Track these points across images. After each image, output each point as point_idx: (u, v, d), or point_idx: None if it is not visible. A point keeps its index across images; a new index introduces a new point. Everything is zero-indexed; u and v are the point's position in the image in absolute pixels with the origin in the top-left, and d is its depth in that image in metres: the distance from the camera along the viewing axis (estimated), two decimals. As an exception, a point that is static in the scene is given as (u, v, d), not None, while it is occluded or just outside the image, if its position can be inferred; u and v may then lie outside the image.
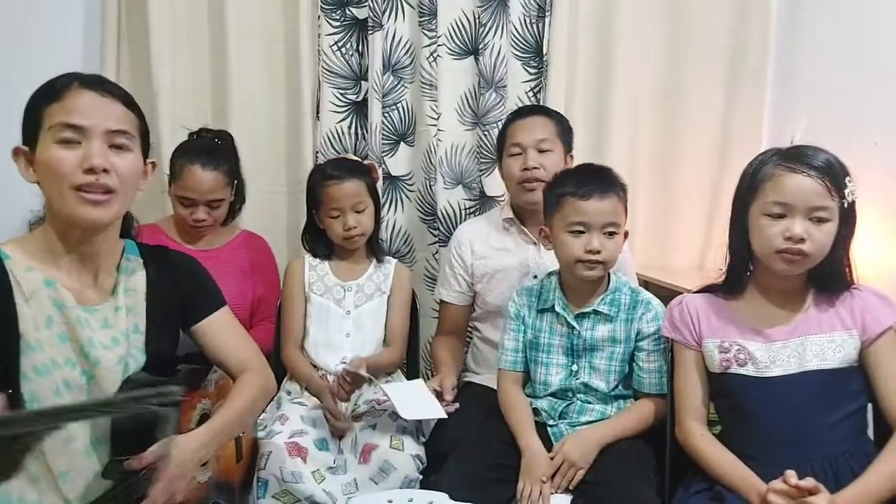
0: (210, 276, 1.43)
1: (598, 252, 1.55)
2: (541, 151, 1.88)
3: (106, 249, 1.27)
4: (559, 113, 2.09)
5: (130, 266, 1.31)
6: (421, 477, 1.66)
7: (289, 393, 1.91)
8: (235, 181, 2.04)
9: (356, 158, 2.09)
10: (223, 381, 1.48)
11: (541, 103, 2.33)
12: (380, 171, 2.11)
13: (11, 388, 1.12)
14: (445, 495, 1.48)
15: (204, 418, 1.34)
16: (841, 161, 1.35)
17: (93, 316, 1.22)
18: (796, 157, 1.34)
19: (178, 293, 1.35)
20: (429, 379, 1.93)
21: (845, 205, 1.32)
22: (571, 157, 1.97)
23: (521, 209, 1.96)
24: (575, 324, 1.63)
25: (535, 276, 1.89)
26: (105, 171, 1.15)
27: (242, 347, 1.40)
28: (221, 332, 1.38)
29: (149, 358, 1.27)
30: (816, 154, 1.34)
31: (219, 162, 1.94)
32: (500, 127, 2.03)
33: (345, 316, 1.94)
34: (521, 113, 1.99)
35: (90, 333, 1.20)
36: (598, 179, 1.58)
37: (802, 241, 1.31)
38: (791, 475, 1.23)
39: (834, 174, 1.32)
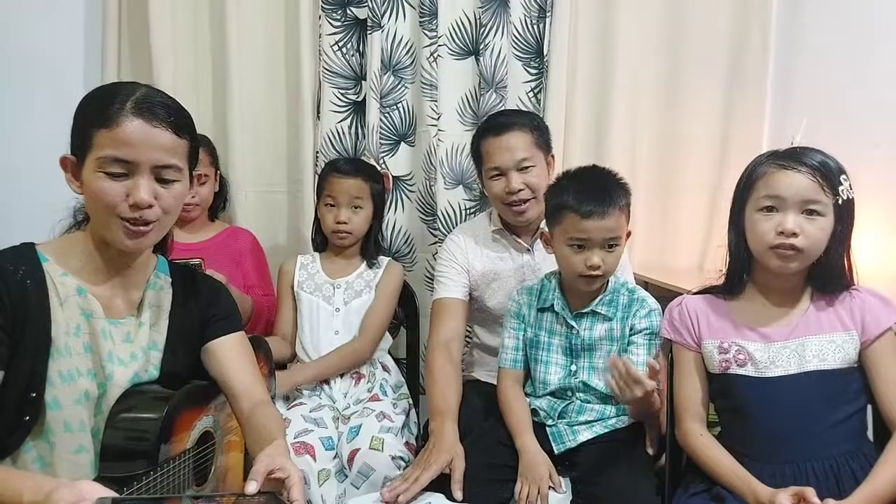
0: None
1: (598, 267, 1.54)
2: (522, 170, 1.81)
3: (140, 263, 1.28)
4: (531, 115, 2.04)
5: (159, 283, 1.32)
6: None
7: (287, 398, 1.91)
8: (218, 171, 2.09)
9: (374, 164, 2.10)
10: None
11: (541, 104, 2.32)
12: (390, 178, 2.11)
13: (36, 391, 1.13)
14: (442, 496, 1.49)
15: (205, 436, 1.31)
16: (837, 161, 1.35)
17: (116, 329, 1.23)
18: (789, 156, 1.36)
19: (200, 313, 1.35)
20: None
21: (839, 202, 1.32)
22: (553, 157, 1.92)
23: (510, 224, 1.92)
24: (574, 323, 1.63)
25: None
26: (149, 205, 1.15)
27: (251, 376, 1.35)
28: (231, 354, 1.35)
29: (162, 376, 1.27)
30: (810, 153, 1.35)
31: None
32: (472, 139, 1.94)
33: (334, 313, 1.96)
34: (493, 129, 1.85)
35: (111, 347, 1.21)
36: (601, 193, 1.53)
37: (795, 235, 1.31)
38: (810, 493, 1.22)
39: (827, 171, 1.32)
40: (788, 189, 1.32)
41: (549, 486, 1.49)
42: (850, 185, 1.34)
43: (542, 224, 1.72)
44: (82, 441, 1.17)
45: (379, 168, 2.10)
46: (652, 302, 1.64)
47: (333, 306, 1.96)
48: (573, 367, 1.64)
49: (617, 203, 1.53)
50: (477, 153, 1.91)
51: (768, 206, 1.35)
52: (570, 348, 1.65)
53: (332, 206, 1.96)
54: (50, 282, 1.17)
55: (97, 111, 1.14)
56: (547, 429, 1.62)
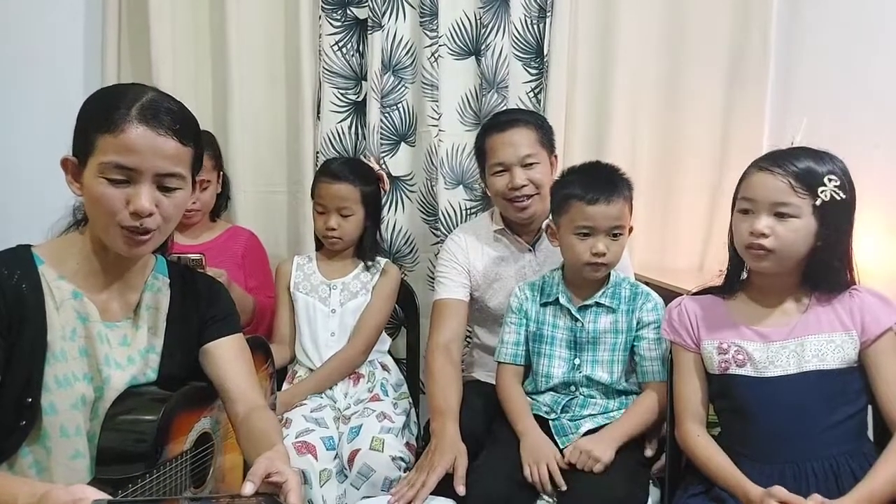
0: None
1: (603, 255, 1.57)
2: (526, 166, 1.81)
3: (138, 266, 1.27)
4: (536, 114, 2.05)
5: (157, 284, 1.31)
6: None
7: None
8: (220, 171, 2.08)
9: (370, 164, 2.09)
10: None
11: (541, 104, 2.33)
12: (386, 180, 2.11)
13: (32, 397, 1.12)
14: (445, 499, 1.49)
15: (204, 438, 1.31)
16: (832, 161, 1.34)
17: (112, 332, 1.22)
18: (771, 157, 1.37)
19: (198, 315, 1.33)
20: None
21: (818, 202, 1.32)
22: (556, 157, 1.93)
23: (512, 221, 1.92)
24: (578, 315, 1.65)
25: None
26: (150, 214, 1.14)
27: (247, 379, 1.33)
28: (229, 357, 1.33)
29: (160, 378, 1.26)
30: (794, 155, 1.34)
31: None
32: (477, 136, 1.95)
33: (330, 314, 1.95)
34: (498, 125, 1.87)
35: (107, 350, 1.20)
36: (606, 182, 1.59)
37: (765, 236, 1.33)
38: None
39: (804, 172, 1.32)
40: (760, 191, 1.34)
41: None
42: (837, 185, 1.31)
43: (548, 219, 1.73)
44: (78, 446, 1.16)
45: (377, 168, 2.09)
46: (655, 295, 1.67)
47: (329, 307, 1.96)
48: (577, 361, 1.65)
49: (621, 192, 1.58)
50: (481, 150, 1.91)
51: (745, 208, 1.37)
52: (575, 341, 1.66)
53: (321, 213, 1.95)
54: (45, 285, 1.16)
55: (102, 114, 1.12)
56: (550, 423, 1.62)
